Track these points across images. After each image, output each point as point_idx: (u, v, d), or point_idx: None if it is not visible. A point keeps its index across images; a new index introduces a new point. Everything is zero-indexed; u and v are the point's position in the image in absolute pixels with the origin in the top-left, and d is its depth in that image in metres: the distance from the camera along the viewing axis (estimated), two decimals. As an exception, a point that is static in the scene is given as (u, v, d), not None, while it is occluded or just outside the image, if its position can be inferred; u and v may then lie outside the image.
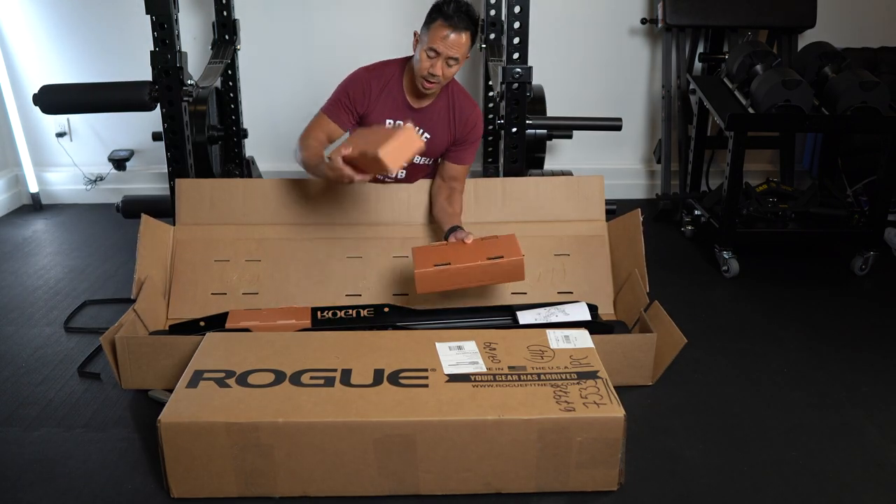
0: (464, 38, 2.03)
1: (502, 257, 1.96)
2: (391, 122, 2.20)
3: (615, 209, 2.44)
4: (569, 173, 2.69)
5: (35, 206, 3.51)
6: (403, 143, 1.89)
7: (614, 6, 3.40)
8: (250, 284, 2.22)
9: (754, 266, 2.76)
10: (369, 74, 2.19)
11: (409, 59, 2.21)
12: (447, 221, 2.18)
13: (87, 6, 3.31)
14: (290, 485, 1.52)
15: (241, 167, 3.29)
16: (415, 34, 2.14)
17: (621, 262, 2.27)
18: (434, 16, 2.04)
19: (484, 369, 1.65)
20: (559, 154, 3.62)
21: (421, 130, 2.22)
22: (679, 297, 2.50)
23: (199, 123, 2.72)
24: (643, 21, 3.36)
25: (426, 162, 2.30)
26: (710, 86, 2.90)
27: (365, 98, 2.17)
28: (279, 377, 1.62)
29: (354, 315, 2.03)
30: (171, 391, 1.59)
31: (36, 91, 2.43)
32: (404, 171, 2.29)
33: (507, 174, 2.48)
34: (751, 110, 2.63)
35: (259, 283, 2.22)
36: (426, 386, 1.59)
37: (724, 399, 1.92)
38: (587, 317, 2.02)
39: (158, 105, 2.46)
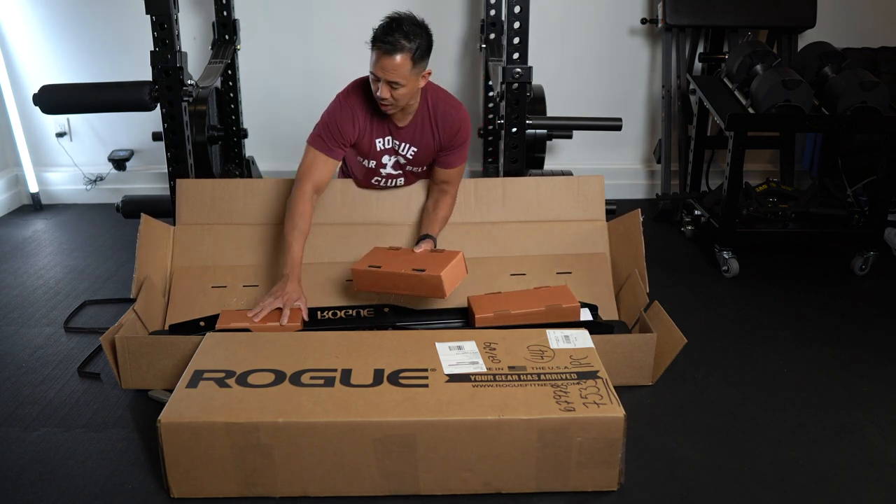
0: (398, 59, 1.92)
1: (424, 271, 1.96)
2: (380, 140, 2.16)
3: (615, 209, 2.44)
4: (569, 173, 2.69)
5: (35, 206, 3.51)
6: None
7: (614, 6, 3.40)
8: (248, 307, 2.18)
9: (754, 266, 2.76)
10: (350, 102, 2.11)
11: None
12: (425, 227, 2.20)
13: (87, 6, 3.31)
14: (290, 485, 1.52)
15: (241, 167, 3.29)
16: None
17: (621, 262, 2.27)
18: (372, 41, 1.97)
19: (484, 369, 1.65)
20: (559, 154, 3.62)
21: (407, 146, 2.17)
22: (679, 298, 2.50)
23: (199, 123, 2.72)
24: (643, 21, 3.36)
25: (420, 170, 2.27)
26: (710, 86, 2.90)
27: (354, 128, 2.12)
28: (279, 377, 1.62)
29: (354, 315, 2.03)
30: (171, 391, 1.59)
31: (36, 91, 2.43)
32: (402, 180, 2.29)
33: (507, 174, 2.48)
34: (751, 110, 2.63)
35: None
36: (426, 386, 1.59)
37: (724, 399, 1.92)
38: (587, 317, 2.03)
39: (158, 105, 2.46)
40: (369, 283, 2.05)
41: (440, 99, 2.17)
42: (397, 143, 2.17)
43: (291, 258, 2.05)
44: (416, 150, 2.19)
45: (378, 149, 2.18)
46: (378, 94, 2.00)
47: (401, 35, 1.93)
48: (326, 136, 2.12)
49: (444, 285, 1.93)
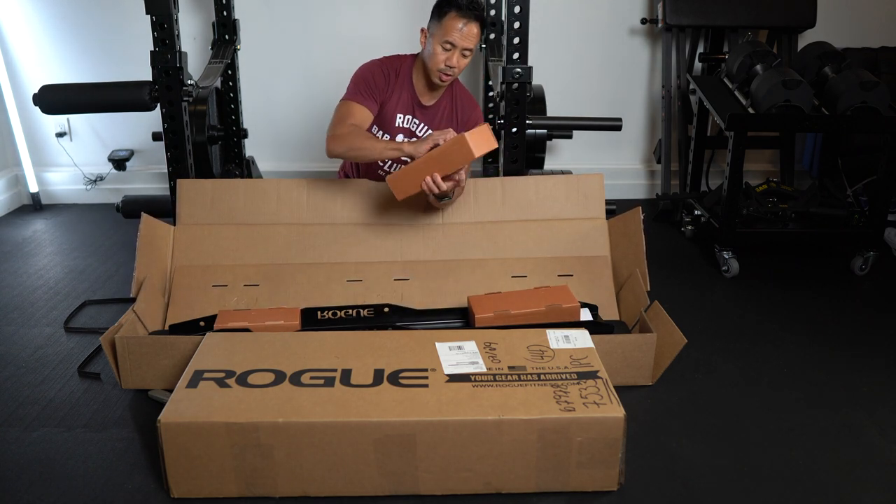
0: (475, 28, 2.10)
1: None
2: (401, 116, 2.23)
3: (615, 209, 2.44)
4: (569, 173, 2.69)
5: (35, 206, 3.51)
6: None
7: (614, 6, 3.40)
8: (248, 306, 2.19)
9: (754, 266, 2.76)
10: (383, 65, 2.23)
11: (416, 56, 2.24)
12: None
13: (87, 6, 3.31)
14: (290, 485, 1.52)
15: (241, 167, 3.29)
16: (422, 31, 2.17)
17: (622, 260, 2.27)
18: (446, 9, 2.08)
19: (484, 369, 1.65)
20: (559, 154, 3.62)
21: (425, 127, 2.25)
22: (679, 297, 2.50)
23: (199, 123, 2.72)
24: (643, 21, 3.36)
25: None
26: (710, 86, 2.90)
27: (386, 86, 2.21)
28: (279, 377, 1.62)
29: (354, 315, 2.03)
30: (171, 391, 1.59)
31: (36, 91, 2.43)
32: None
33: (506, 174, 2.48)
34: (751, 110, 2.63)
35: (257, 306, 2.19)
36: (426, 386, 1.59)
37: (724, 399, 1.92)
38: (587, 317, 2.03)
39: (158, 105, 2.46)
40: (407, 185, 2.06)
41: (464, 92, 2.33)
42: (416, 122, 2.25)
43: (391, 142, 2.17)
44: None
45: (396, 124, 2.25)
46: (447, 63, 2.10)
47: (477, 5, 2.09)
48: (359, 88, 2.19)
49: (469, 143, 1.91)
